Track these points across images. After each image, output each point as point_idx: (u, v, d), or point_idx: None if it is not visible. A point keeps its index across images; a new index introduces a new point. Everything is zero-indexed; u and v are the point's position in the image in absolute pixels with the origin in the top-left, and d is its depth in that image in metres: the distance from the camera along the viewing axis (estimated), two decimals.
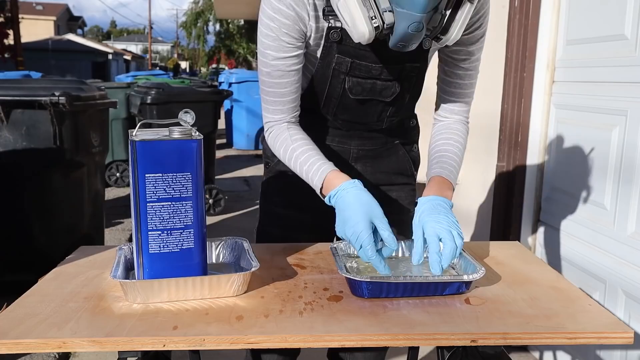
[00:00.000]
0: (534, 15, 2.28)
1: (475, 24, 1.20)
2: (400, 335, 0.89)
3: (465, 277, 1.02)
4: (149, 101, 4.52)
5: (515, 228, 2.44)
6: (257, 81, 1.26)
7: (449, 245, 1.04)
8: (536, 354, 2.40)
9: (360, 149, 1.36)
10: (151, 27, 45.80)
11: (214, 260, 1.18)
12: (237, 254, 1.17)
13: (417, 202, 1.17)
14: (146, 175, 0.93)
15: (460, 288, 1.03)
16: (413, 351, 1.22)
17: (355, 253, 1.19)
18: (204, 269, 1.02)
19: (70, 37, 31.99)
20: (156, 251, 0.97)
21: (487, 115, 2.68)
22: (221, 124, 6.50)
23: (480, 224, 2.78)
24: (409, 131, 1.43)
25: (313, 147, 1.20)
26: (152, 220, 0.95)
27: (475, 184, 2.87)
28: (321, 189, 1.14)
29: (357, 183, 1.10)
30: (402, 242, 1.23)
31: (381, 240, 1.05)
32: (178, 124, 0.98)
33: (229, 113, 8.82)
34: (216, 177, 5.46)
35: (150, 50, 43.92)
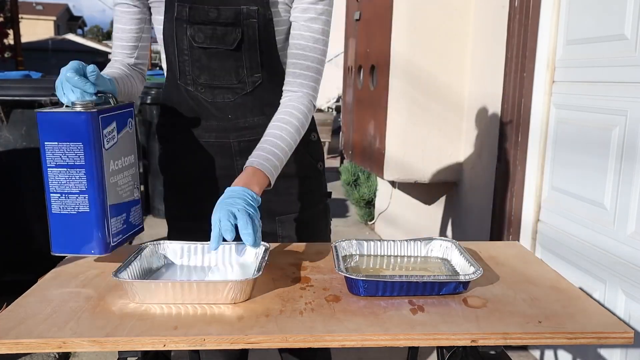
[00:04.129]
0: (534, 15, 2.28)
1: None
2: (400, 335, 0.89)
3: (462, 277, 1.02)
4: (149, 101, 4.51)
5: (515, 228, 2.44)
6: None
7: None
8: (536, 354, 2.40)
9: (240, 140, 1.29)
10: (151, 27, 45.71)
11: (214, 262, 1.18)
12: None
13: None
14: (45, 142, 1.05)
15: (457, 288, 1.03)
16: (413, 351, 1.23)
17: (357, 252, 1.20)
18: (104, 241, 1.10)
19: (70, 37, 31.96)
20: (57, 212, 1.09)
21: (487, 116, 2.68)
22: None
23: (480, 224, 2.78)
24: None
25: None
26: (52, 183, 1.08)
27: (475, 184, 2.87)
28: None
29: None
30: (400, 241, 1.23)
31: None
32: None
33: None
34: None
35: (150, 50, 43.87)
